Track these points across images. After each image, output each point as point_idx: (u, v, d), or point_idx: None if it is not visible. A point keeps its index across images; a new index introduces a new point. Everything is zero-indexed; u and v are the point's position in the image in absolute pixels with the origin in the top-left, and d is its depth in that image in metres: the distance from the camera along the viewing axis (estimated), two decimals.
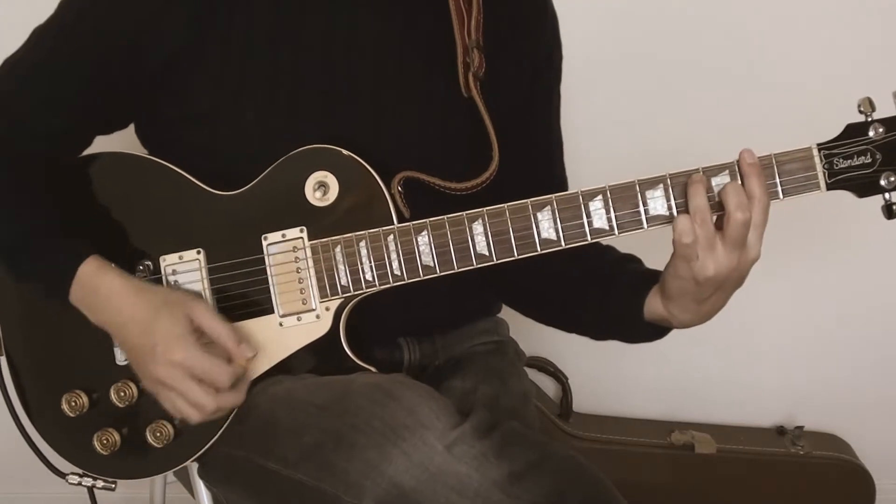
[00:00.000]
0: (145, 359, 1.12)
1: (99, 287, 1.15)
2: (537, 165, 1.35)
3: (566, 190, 1.17)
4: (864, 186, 1.08)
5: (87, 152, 1.27)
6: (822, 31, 1.91)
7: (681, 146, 1.86)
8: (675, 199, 1.10)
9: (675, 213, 1.10)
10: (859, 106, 1.07)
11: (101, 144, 1.26)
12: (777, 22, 1.91)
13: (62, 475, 1.27)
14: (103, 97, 1.20)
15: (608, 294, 1.24)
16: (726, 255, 1.07)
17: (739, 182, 1.07)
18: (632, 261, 1.27)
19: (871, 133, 1.07)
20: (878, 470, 2.05)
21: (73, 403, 1.22)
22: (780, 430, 2.11)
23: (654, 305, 1.18)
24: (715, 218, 1.08)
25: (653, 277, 1.18)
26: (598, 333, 1.32)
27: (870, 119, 1.07)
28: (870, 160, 1.07)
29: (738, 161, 1.08)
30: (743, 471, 2.03)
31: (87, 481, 1.25)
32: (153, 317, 1.12)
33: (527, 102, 1.32)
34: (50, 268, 1.17)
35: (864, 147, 1.07)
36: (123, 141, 1.27)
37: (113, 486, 1.26)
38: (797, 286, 2.06)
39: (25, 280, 1.22)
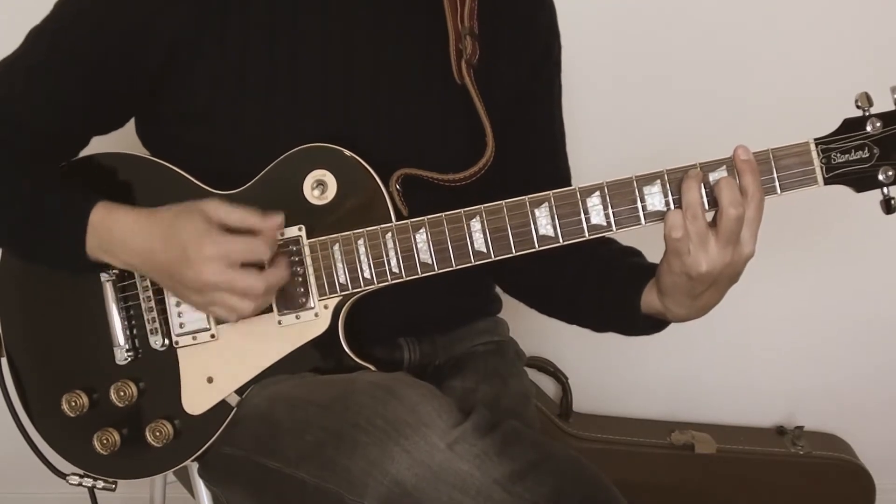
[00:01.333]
0: (181, 270, 1.11)
1: (112, 227, 1.15)
2: (540, 158, 1.35)
3: (570, 183, 1.17)
4: (861, 181, 1.08)
5: (85, 152, 1.27)
6: (819, 26, 1.91)
7: (678, 142, 1.86)
8: (672, 196, 1.10)
9: (672, 209, 1.10)
10: (857, 101, 1.07)
11: (102, 144, 1.26)
12: (775, 17, 1.91)
13: (63, 476, 1.27)
14: (101, 97, 1.20)
15: (606, 287, 1.24)
16: (719, 251, 1.07)
17: (735, 178, 1.08)
18: (632, 254, 1.28)
19: (868, 128, 1.07)
20: (878, 470, 2.05)
21: (74, 403, 1.22)
22: (780, 430, 2.11)
23: (650, 299, 1.18)
24: (713, 214, 1.08)
25: (651, 271, 1.18)
26: (598, 326, 1.32)
27: (867, 114, 1.07)
28: (867, 155, 1.07)
29: (732, 158, 1.08)
30: (743, 471, 2.03)
31: (88, 482, 1.25)
32: (171, 228, 1.11)
33: (526, 94, 1.32)
34: (62, 224, 1.16)
35: (862, 142, 1.07)
36: (124, 141, 1.27)
37: (113, 486, 1.26)
38: (797, 286, 2.06)
39: (40, 249, 1.21)
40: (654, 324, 1.21)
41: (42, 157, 1.21)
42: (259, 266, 1.12)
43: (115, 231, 1.15)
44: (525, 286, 1.39)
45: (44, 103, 1.19)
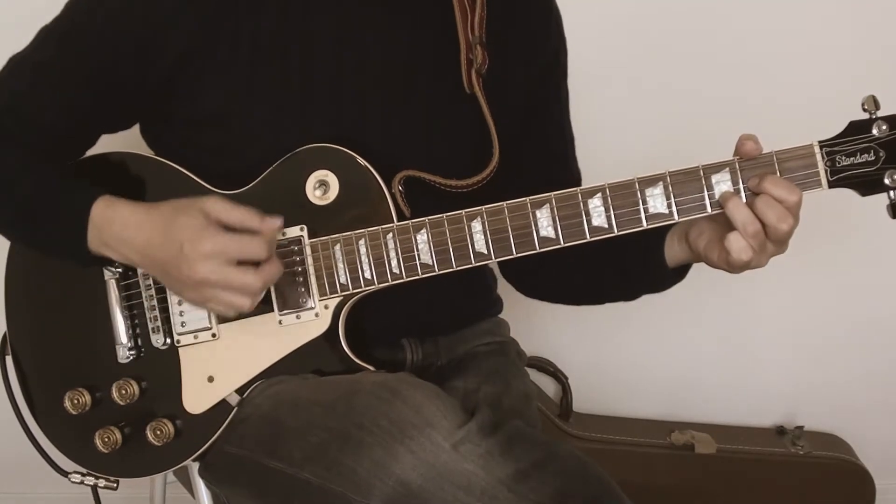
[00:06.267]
0: (178, 266, 1.10)
1: (112, 220, 1.14)
2: (552, 162, 1.34)
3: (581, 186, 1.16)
4: (867, 184, 1.07)
5: (91, 151, 1.27)
6: (825, 28, 1.91)
7: (680, 143, 1.86)
8: (674, 198, 1.09)
9: (674, 211, 1.10)
10: (863, 104, 1.06)
11: (106, 144, 1.26)
12: (780, 19, 1.91)
13: (65, 474, 1.27)
14: (110, 98, 1.20)
15: (627, 252, 1.23)
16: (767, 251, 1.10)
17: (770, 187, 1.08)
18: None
19: (874, 131, 1.06)
20: (878, 470, 2.05)
21: (76, 401, 1.22)
22: (780, 430, 2.11)
23: (673, 250, 1.19)
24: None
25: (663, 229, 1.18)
26: (628, 293, 1.33)
27: (874, 116, 1.06)
28: (873, 158, 1.06)
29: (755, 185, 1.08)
30: (743, 471, 2.03)
31: (90, 480, 1.26)
32: (169, 223, 1.11)
33: (535, 100, 1.32)
34: (64, 217, 1.16)
35: (868, 144, 1.06)
36: (128, 141, 1.27)
37: (115, 485, 1.27)
38: (798, 286, 2.06)
39: (44, 240, 1.21)
40: (678, 273, 1.22)
41: (48, 153, 1.21)
42: (255, 263, 1.11)
43: (114, 224, 1.14)
44: (545, 283, 1.39)
45: (52, 101, 1.19)
